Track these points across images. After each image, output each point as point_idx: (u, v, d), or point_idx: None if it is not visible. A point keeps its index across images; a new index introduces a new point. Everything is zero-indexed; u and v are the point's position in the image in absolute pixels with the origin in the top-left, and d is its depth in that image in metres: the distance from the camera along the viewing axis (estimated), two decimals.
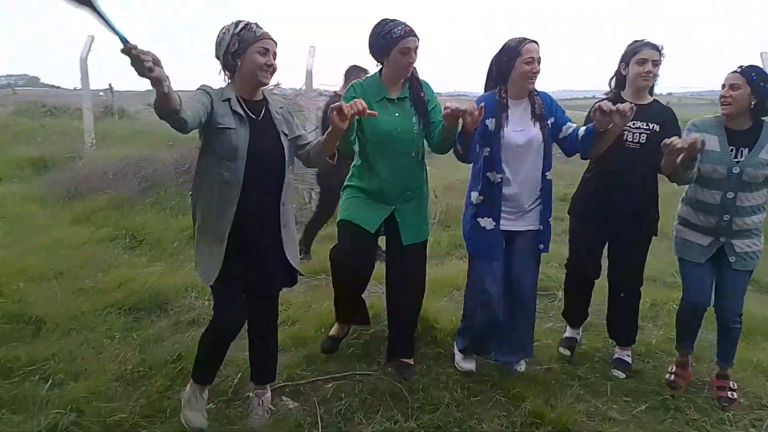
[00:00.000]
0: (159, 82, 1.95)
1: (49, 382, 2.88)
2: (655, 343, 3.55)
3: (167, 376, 2.95)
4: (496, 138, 2.89)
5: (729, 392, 2.98)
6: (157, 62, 1.92)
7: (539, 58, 2.85)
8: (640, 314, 3.38)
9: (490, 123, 2.90)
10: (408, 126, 2.89)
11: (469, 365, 3.14)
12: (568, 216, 3.39)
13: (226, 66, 2.47)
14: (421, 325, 3.43)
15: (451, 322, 3.52)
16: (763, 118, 2.84)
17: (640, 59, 3.00)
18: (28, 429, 2.52)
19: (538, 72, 2.86)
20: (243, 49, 2.39)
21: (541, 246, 3.05)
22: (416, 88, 2.94)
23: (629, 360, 3.28)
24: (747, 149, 2.80)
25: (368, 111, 2.43)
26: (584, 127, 2.89)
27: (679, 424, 2.78)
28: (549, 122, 2.94)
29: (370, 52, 2.89)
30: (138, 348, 3.28)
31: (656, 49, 3.01)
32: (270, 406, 2.76)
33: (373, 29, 2.84)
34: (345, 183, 3.09)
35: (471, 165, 3.03)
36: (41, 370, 2.98)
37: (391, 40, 2.76)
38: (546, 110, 2.94)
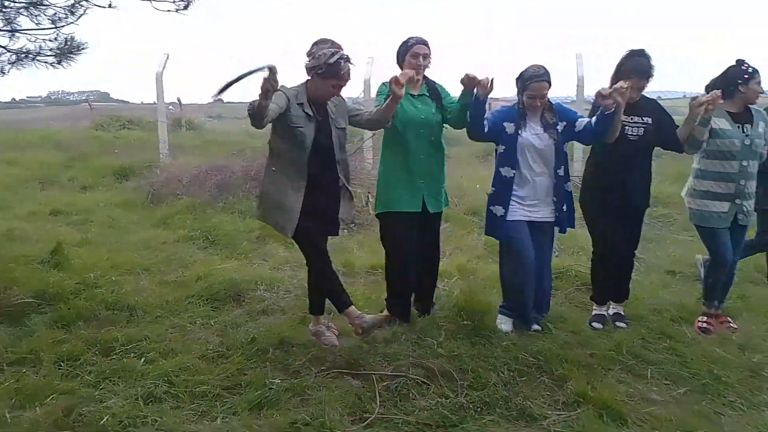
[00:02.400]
0: (267, 97, 2.75)
1: (143, 359, 3.27)
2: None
3: (243, 356, 3.30)
4: (513, 139, 3.52)
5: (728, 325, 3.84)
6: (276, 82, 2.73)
7: (543, 95, 3.46)
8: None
9: (509, 126, 3.53)
10: (429, 114, 3.61)
11: (507, 327, 3.68)
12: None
13: (308, 73, 3.20)
14: (473, 312, 3.72)
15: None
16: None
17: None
18: (129, 395, 2.90)
19: (539, 106, 3.50)
20: (325, 77, 3.15)
21: (557, 229, 3.70)
22: (433, 87, 3.68)
23: (623, 312, 3.95)
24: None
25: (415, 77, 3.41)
26: (595, 116, 3.39)
27: (716, 405, 2.93)
28: (559, 127, 3.54)
29: (396, 60, 3.67)
30: (217, 332, 3.66)
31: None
32: (335, 329, 3.61)
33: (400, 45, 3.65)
34: (381, 174, 3.75)
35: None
36: (136, 349, 3.38)
37: (406, 48, 3.58)
38: (557, 117, 3.55)
